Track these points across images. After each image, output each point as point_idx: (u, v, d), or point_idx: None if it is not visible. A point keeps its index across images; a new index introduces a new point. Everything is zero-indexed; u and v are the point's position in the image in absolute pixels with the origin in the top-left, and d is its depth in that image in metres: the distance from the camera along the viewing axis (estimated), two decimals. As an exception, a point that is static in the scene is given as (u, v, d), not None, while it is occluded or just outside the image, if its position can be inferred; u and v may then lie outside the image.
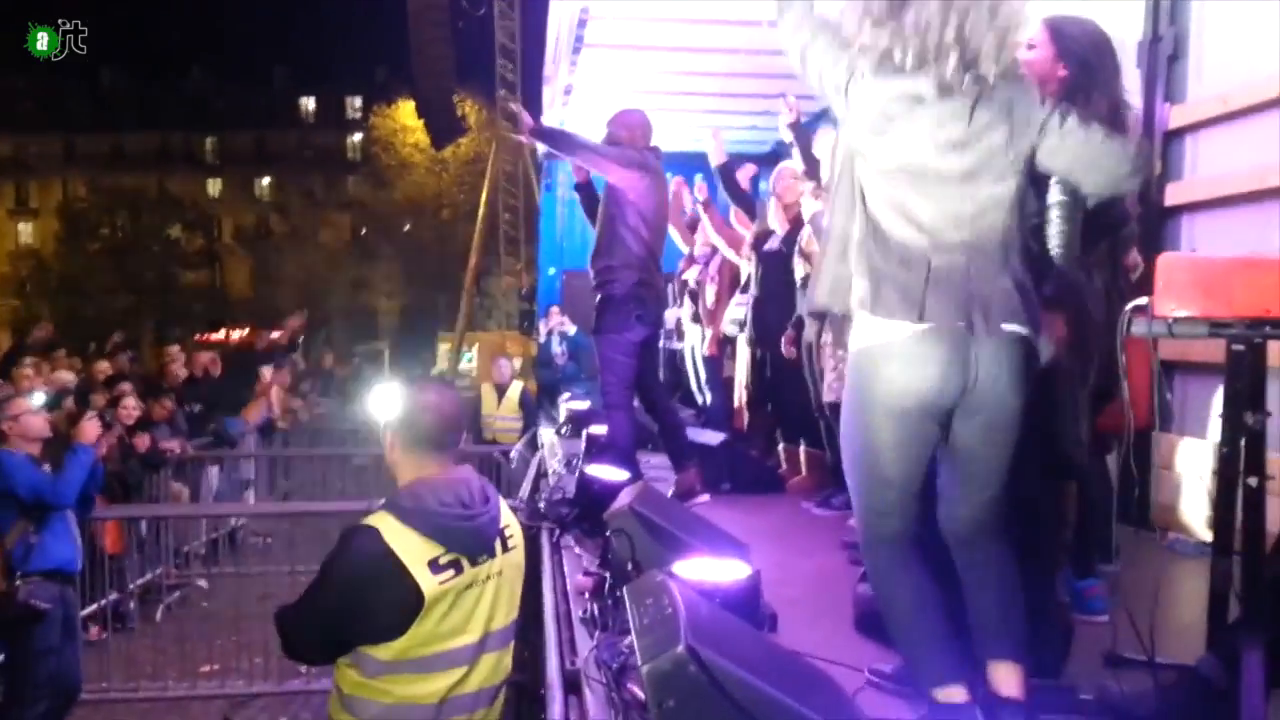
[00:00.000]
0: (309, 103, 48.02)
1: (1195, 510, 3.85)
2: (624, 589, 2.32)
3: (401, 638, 2.26)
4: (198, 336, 32.76)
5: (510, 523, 2.59)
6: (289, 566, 6.31)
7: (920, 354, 1.98)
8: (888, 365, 2.02)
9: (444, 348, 27.71)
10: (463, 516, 2.35)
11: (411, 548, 2.27)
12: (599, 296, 4.56)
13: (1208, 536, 3.54)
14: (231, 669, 5.97)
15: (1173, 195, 4.33)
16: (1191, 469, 3.96)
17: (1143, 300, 1.95)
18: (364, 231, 41.98)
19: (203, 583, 7.30)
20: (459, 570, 2.32)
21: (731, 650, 1.87)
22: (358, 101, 46.05)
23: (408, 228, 39.27)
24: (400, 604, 2.25)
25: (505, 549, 2.50)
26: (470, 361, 23.64)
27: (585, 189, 4.94)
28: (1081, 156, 2.07)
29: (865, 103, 2.06)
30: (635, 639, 1.94)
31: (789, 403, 5.17)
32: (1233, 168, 4.06)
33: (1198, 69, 4.37)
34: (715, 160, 5.85)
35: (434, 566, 2.28)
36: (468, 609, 2.36)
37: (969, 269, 2.00)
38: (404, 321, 40.05)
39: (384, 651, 2.28)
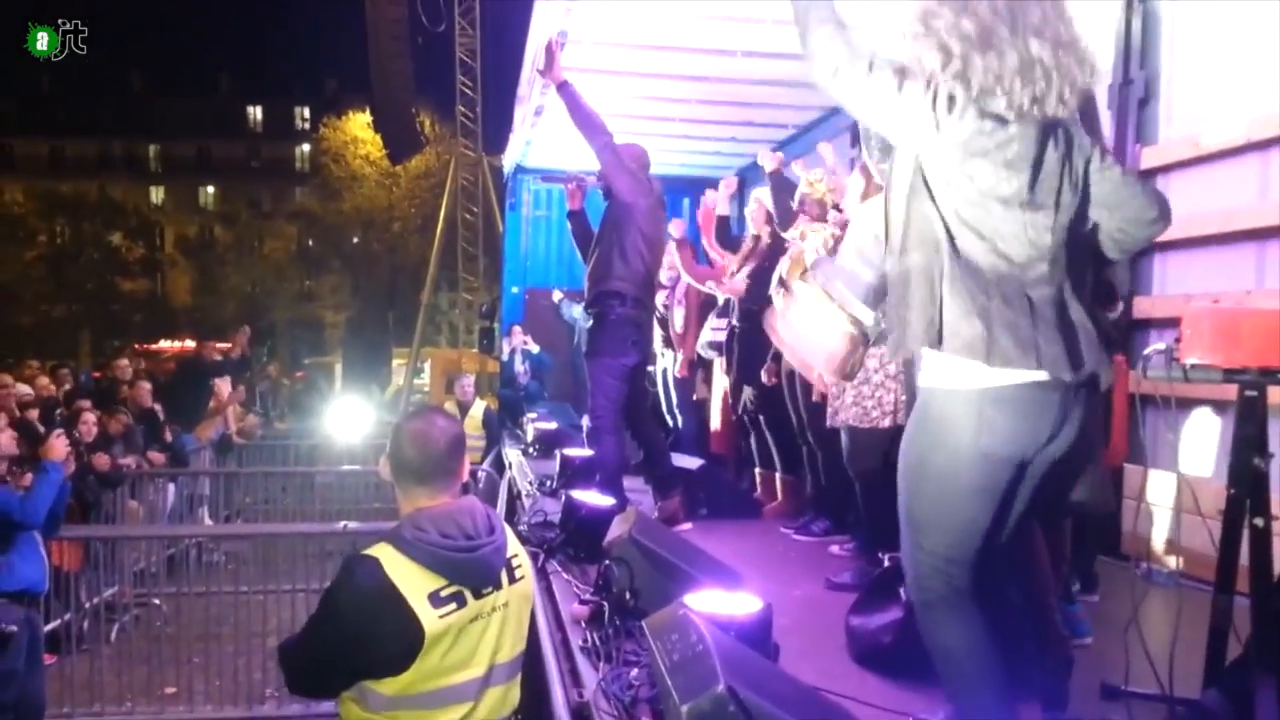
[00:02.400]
0: (256, 112, 47.38)
1: (1166, 540, 3.96)
2: (643, 623, 2.32)
3: (405, 673, 2.22)
4: (137, 347, 32.06)
5: (518, 552, 2.54)
6: (256, 586, 6.21)
7: (1036, 403, 1.94)
8: (993, 408, 1.96)
9: (398, 363, 27.44)
10: (466, 548, 2.30)
11: (412, 580, 2.22)
12: (595, 320, 4.55)
13: (1176, 565, 3.67)
14: (198, 691, 5.83)
15: (1144, 234, 4.46)
16: (1161, 500, 4.09)
17: (1161, 345, 2.01)
18: (311, 243, 41.48)
19: (157, 601, 7.12)
20: (462, 603, 2.27)
21: (763, 687, 1.88)
22: (306, 112, 45.60)
23: (356, 240, 38.90)
24: (401, 638, 2.20)
25: (512, 580, 2.44)
26: (423, 377, 23.45)
27: (579, 216, 4.92)
28: (1113, 195, 2.08)
29: (954, 134, 1.98)
30: (667, 677, 1.94)
31: (768, 429, 5.22)
32: (1203, 208, 4.21)
33: (1168, 112, 4.54)
34: (720, 210, 6.00)
35: (435, 599, 2.23)
36: (473, 643, 2.30)
37: (1061, 302, 1.98)
38: (352, 334, 39.56)
39: (387, 686, 2.23)
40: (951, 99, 1.96)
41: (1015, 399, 1.95)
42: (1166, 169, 4.45)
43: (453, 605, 2.25)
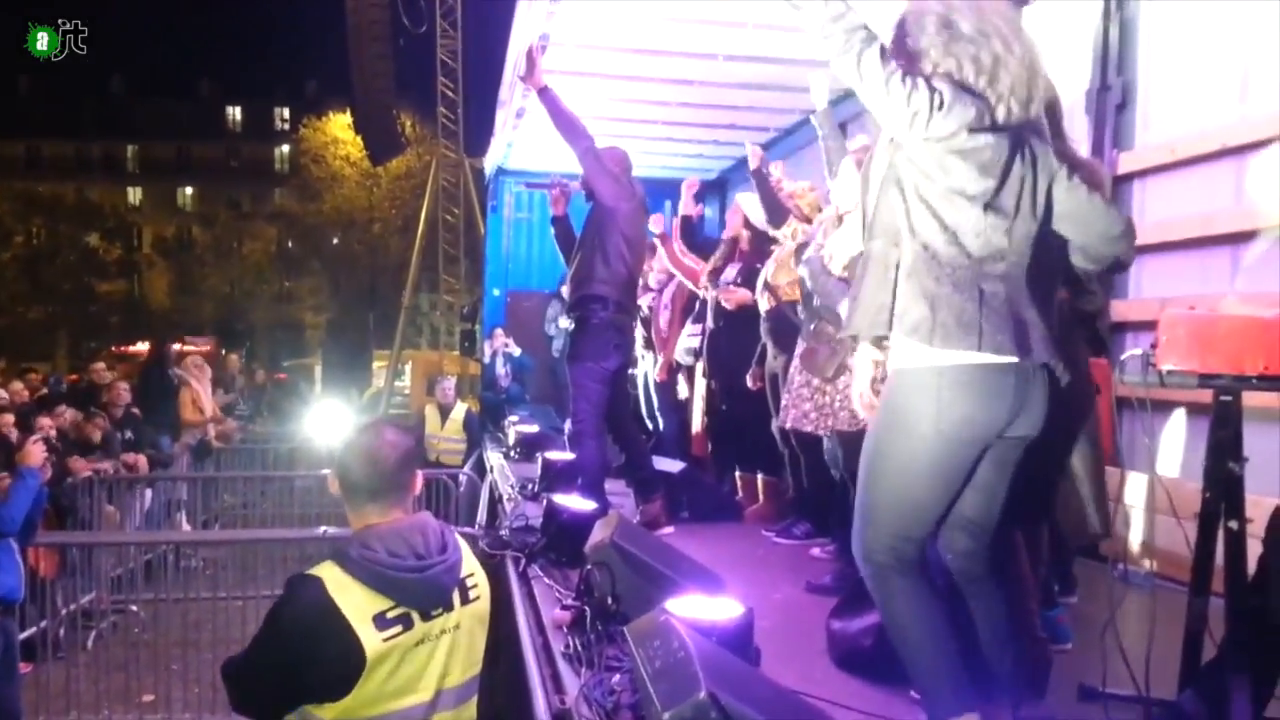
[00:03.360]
0: (236, 112, 47.13)
1: (1142, 542, 4.00)
2: (625, 629, 2.32)
3: (345, 697, 2.13)
4: (114, 348, 31.81)
5: (474, 571, 2.42)
6: (235, 592, 6.16)
7: (990, 385, 2.02)
8: (949, 391, 2.03)
9: (378, 365, 27.32)
10: (414, 568, 2.20)
11: (355, 601, 2.13)
12: (576, 324, 4.55)
13: (1152, 566, 3.70)
14: (175, 699, 5.78)
15: (1122, 238, 4.51)
16: (1138, 502, 4.12)
17: (1137, 350, 2.03)
18: (290, 244, 41.28)
19: (135, 608, 7.05)
20: (408, 625, 2.18)
21: (745, 693, 1.89)
22: (286, 113, 45.39)
23: (336, 241, 38.74)
24: (341, 661, 2.10)
25: (465, 600, 2.34)
26: (404, 379, 23.35)
27: (562, 222, 4.92)
28: (1078, 211, 2.16)
29: (942, 131, 2.05)
30: (649, 683, 1.94)
31: (749, 431, 5.23)
32: (1180, 213, 4.26)
33: (1145, 118, 4.58)
34: (684, 210, 6.01)
35: (380, 621, 2.14)
36: (418, 666, 2.21)
37: (1013, 299, 2.05)
38: (331, 336, 39.39)
39: (328, 711, 2.14)
40: (942, 99, 2.02)
41: (970, 381, 2.03)
42: (1143, 174, 4.50)
43: (398, 628, 2.17)
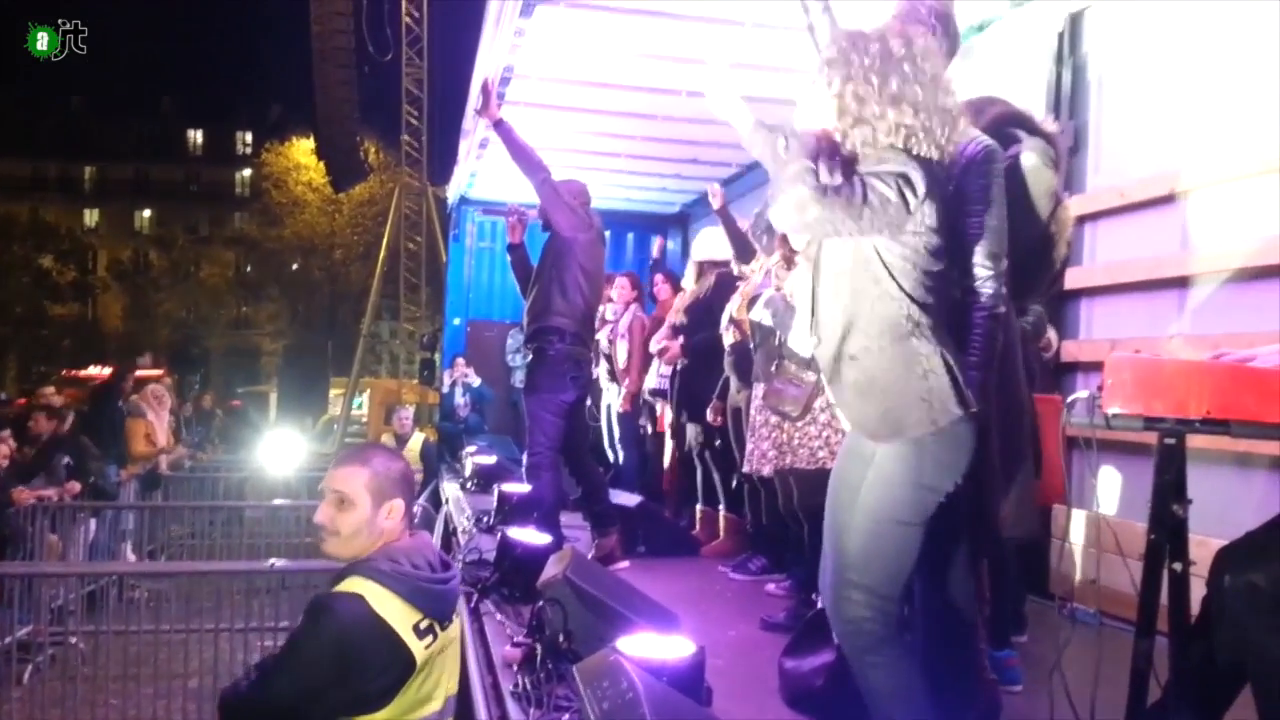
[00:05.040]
0: (197, 135, 46.71)
1: (1089, 581, 4.03)
2: (574, 669, 2.29)
3: (386, 707, 2.21)
4: (65, 372, 31.15)
5: None
6: (179, 625, 6.00)
7: (966, 438, 2.09)
8: (940, 446, 2.08)
9: (335, 392, 27.00)
10: (439, 579, 2.33)
11: (396, 612, 2.22)
12: (534, 355, 4.53)
13: (1098, 605, 3.73)
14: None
15: (1073, 280, 4.58)
16: (1085, 541, 4.17)
17: (1082, 393, 2.06)
18: (249, 269, 40.84)
19: (75, 640, 6.84)
20: (434, 635, 2.29)
21: (692, 735, 1.87)
22: (249, 137, 45.08)
23: (296, 266, 38.40)
24: (390, 670, 2.20)
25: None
26: (361, 408, 23.09)
27: (518, 250, 4.90)
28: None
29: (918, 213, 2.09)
30: (596, 724, 1.92)
31: (714, 466, 5.23)
32: (1129, 256, 4.34)
33: (1096, 161, 4.67)
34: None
35: (417, 631, 2.24)
36: (438, 675, 2.33)
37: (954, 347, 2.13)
38: (288, 363, 38.91)
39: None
40: (909, 181, 2.06)
41: (955, 433, 2.08)
42: (1095, 216, 4.58)
43: (430, 637, 2.28)
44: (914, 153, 2.11)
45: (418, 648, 2.22)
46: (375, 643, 2.18)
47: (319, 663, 2.18)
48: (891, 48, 2.13)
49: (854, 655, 2.17)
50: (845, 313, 2.13)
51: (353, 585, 2.23)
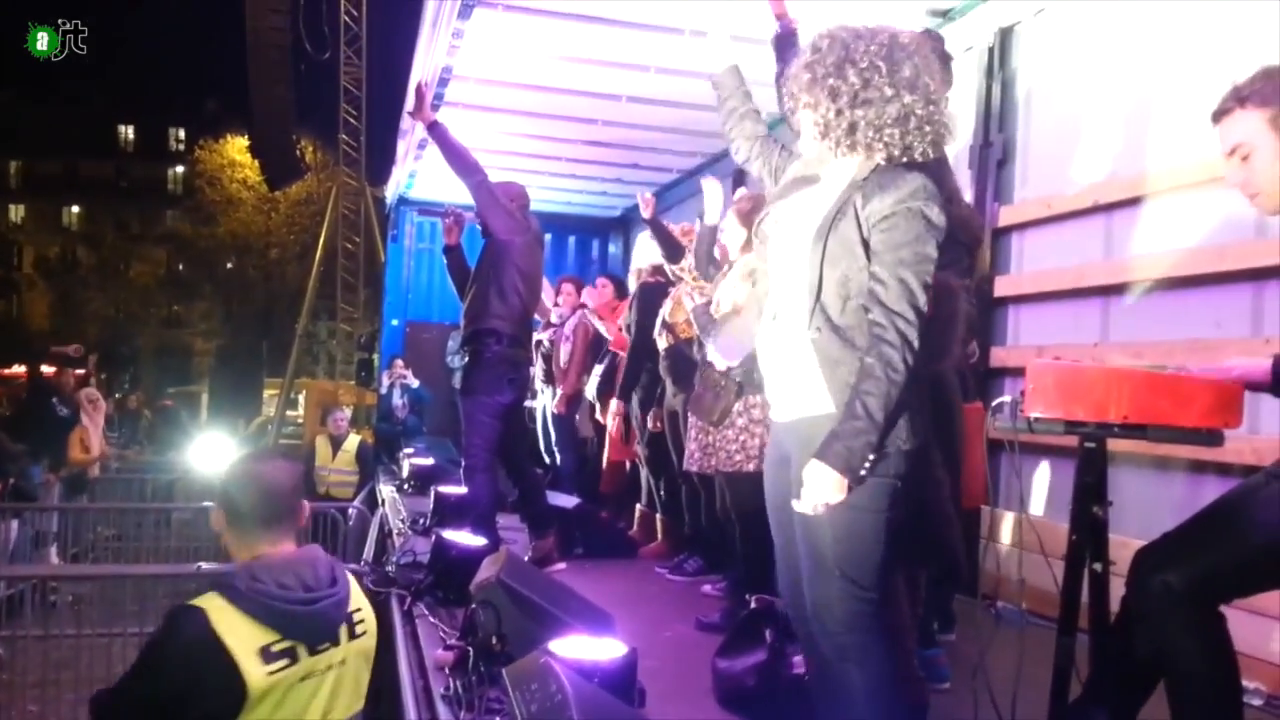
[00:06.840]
0: (128, 131, 45.50)
1: (1015, 580, 4.11)
2: (504, 671, 2.28)
3: None
4: (-11, 370, 30.10)
5: (362, 606, 2.41)
6: (101, 629, 5.84)
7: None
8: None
9: (269, 393, 26.50)
10: (303, 600, 2.18)
11: (241, 634, 2.09)
12: (470, 357, 4.50)
13: (1024, 604, 3.82)
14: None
15: (1001, 288, 4.70)
16: (1011, 541, 4.27)
17: (1006, 398, 2.11)
18: (181, 267, 39.92)
19: (-4, 648, 6.62)
20: (294, 660, 2.15)
21: (622, 735, 1.87)
22: (181, 133, 44.05)
23: (230, 265, 37.64)
24: (222, 695, 2.06)
25: (353, 636, 2.33)
26: (297, 409, 22.69)
27: (455, 252, 4.87)
28: None
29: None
30: (525, 726, 1.91)
31: (652, 471, 5.24)
32: (1055, 265, 4.45)
33: (1023, 174, 4.79)
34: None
35: (266, 655, 2.10)
36: (302, 702, 2.18)
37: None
38: (221, 363, 38.08)
39: None
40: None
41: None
42: (1022, 227, 4.70)
43: (284, 661, 2.14)
44: (914, 152, 2.05)
45: (256, 672, 2.09)
46: (208, 663, 2.06)
47: (155, 674, 2.11)
48: (901, 39, 2.07)
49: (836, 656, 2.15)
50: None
51: (204, 599, 2.14)
